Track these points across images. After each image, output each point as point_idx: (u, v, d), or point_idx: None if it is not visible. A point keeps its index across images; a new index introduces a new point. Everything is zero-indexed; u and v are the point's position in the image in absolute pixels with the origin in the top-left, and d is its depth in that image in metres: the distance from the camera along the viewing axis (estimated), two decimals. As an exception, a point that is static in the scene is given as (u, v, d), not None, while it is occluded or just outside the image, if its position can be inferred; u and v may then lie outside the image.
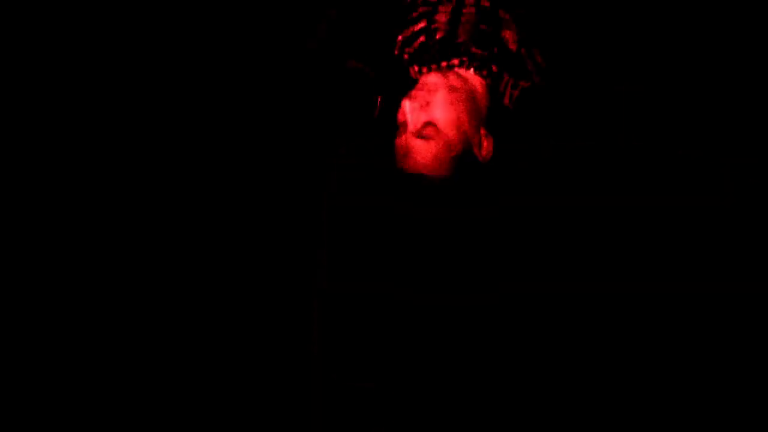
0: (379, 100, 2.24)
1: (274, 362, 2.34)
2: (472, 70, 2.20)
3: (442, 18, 2.25)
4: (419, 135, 2.12)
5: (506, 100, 2.21)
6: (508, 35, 2.22)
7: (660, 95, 2.40)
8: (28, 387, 2.36)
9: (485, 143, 2.16)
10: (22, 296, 2.42)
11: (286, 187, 2.42)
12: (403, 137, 2.14)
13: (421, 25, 2.27)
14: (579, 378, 2.25)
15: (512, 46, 2.22)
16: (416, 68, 2.25)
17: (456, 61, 2.20)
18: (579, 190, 2.31)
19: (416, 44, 2.26)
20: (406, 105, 2.14)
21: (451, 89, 2.16)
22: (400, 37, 2.29)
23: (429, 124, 2.12)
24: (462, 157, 2.14)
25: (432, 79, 2.17)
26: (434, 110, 2.13)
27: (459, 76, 2.19)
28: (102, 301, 2.41)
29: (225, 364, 2.35)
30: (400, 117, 2.16)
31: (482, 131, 2.17)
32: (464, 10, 2.24)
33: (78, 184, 2.50)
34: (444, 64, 2.20)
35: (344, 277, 2.29)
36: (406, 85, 2.22)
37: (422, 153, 2.11)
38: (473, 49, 2.20)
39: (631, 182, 2.35)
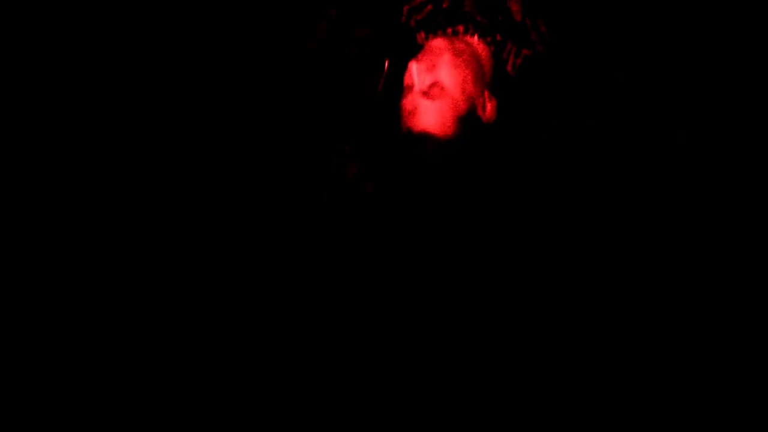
0: (386, 63, 2.30)
1: (274, 362, 2.32)
2: (476, 36, 2.27)
3: (448, -11, 2.34)
4: (425, 94, 2.18)
5: (509, 68, 2.28)
6: (513, 6, 2.30)
7: (660, 82, 2.44)
8: (36, 387, 2.34)
9: (489, 105, 2.23)
10: (43, 296, 2.41)
11: (285, 186, 2.44)
12: (410, 97, 2.19)
13: None
14: (582, 376, 2.25)
15: (517, 17, 2.29)
16: (423, 35, 2.31)
17: (461, 28, 2.27)
18: (579, 179, 2.35)
19: (424, 12, 2.33)
20: (413, 67, 2.20)
21: (457, 52, 2.22)
22: (407, 6, 2.37)
23: (435, 84, 2.18)
24: (466, 118, 2.20)
25: (438, 43, 2.24)
26: (440, 72, 2.20)
27: (464, 41, 2.26)
28: (99, 300, 2.40)
29: (224, 364, 2.33)
30: (407, 79, 2.22)
31: (486, 93, 2.23)
32: None
33: (75, 186, 2.50)
34: (449, 30, 2.28)
35: (343, 277, 2.31)
36: (413, 51, 2.29)
37: (428, 112, 2.17)
38: (478, 18, 2.28)
39: (631, 172, 2.38)
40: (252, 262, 2.39)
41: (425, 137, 2.17)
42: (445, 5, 2.31)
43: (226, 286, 2.37)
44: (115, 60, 2.58)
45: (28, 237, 2.47)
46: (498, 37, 2.27)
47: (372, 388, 2.25)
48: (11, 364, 2.35)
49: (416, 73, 2.19)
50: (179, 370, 2.33)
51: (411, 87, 2.20)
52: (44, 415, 2.31)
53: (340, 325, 2.28)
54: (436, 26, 2.29)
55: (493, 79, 2.26)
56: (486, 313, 2.26)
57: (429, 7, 2.32)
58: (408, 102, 2.19)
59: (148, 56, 2.58)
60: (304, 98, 2.46)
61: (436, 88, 2.18)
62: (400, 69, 2.26)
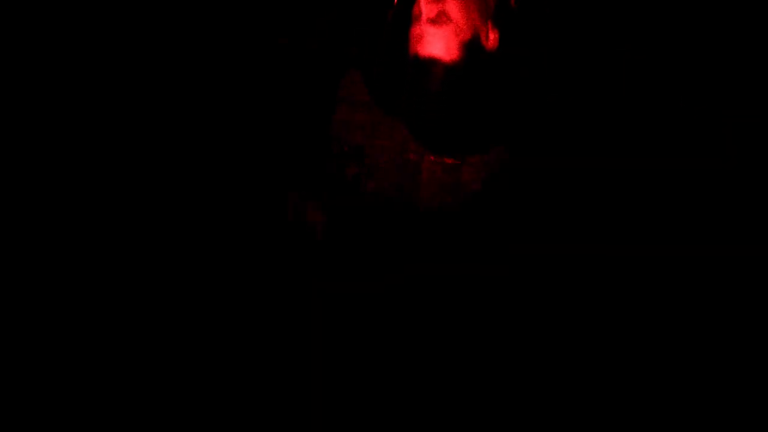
0: None
1: (274, 362, 2.37)
2: None
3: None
4: (432, 22, 2.31)
5: (512, 2, 2.40)
6: None
7: (661, 55, 2.49)
8: (30, 387, 2.37)
9: (492, 35, 2.35)
10: (20, 298, 2.44)
11: (284, 186, 2.50)
12: (418, 25, 2.33)
13: None
14: (577, 373, 2.32)
15: None
16: (431, -30, 2.44)
17: None
18: (579, 148, 2.42)
19: None
20: None
21: None
22: None
23: (441, 13, 2.31)
24: (470, 45, 2.31)
25: None
26: (446, 1, 2.33)
27: None
28: (96, 299, 2.45)
29: (225, 364, 2.38)
30: (415, 9, 2.35)
31: (489, 24, 2.35)
32: None
33: (66, 186, 2.53)
34: None
35: (343, 277, 2.38)
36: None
37: (435, 37, 2.30)
38: None
39: (631, 141, 2.43)
40: (252, 262, 2.44)
41: (432, 62, 2.29)
42: None
43: (227, 286, 2.42)
44: (110, 58, 2.60)
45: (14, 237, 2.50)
46: None
47: (372, 388, 2.30)
48: (11, 364, 2.39)
49: (424, 2, 2.32)
50: (180, 369, 2.37)
51: (419, 16, 2.33)
52: (44, 415, 2.34)
53: (340, 325, 2.34)
54: (443, -39, 2.41)
55: (496, 10, 2.38)
56: (487, 310, 2.34)
57: None
58: (416, 29, 2.33)
59: (145, 57, 2.61)
60: (304, 97, 2.52)
61: (443, 16, 2.31)
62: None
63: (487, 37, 2.35)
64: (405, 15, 2.36)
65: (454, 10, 2.31)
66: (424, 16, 2.32)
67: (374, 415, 2.31)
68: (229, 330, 2.40)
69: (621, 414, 2.31)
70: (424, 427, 2.30)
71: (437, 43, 2.29)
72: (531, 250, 2.35)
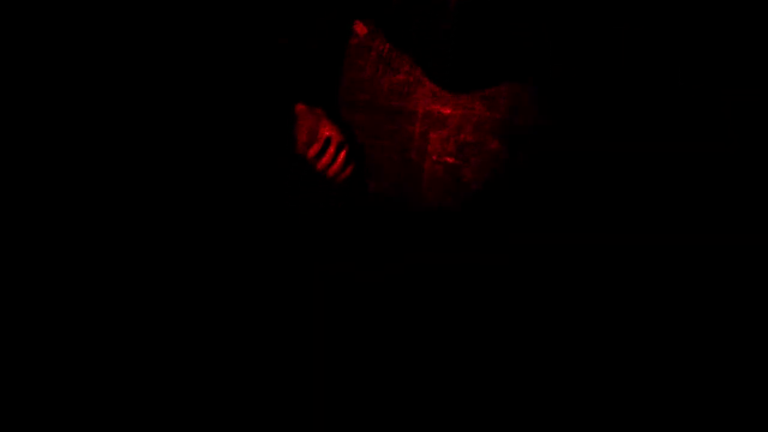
0: None
1: (278, 344, 2.38)
2: None
3: None
4: None
5: None
6: None
7: (660, 35, 2.50)
8: (30, 387, 2.37)
9: None
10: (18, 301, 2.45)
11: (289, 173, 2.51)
12: None
13: None
14: (573, 368, 2.31)
15: None
16: None
17: None
18: (578, 134, 2.42)
19: None
20: None
21: None
22: None
23: None
24: None
25: None
26: None
27: None
28: (96, 294, 2.45)
29: (224, 357, 2.38)
30: None
31: None
32: None
33: (64, 185, 2.54)
34: None
35: (345, 259, 2.39)
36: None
37: None
38: None
39: (632, 124, 2.44)
40: (256, 245, 2.44)
41: None
42: None
43: (232, 268, 2.43)
44: (110, 58, 2.61)
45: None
46: None
47: (374, 376, 2.32)
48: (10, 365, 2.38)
49: None
50: (188, 349, 2.38)
51: None
52: (44, 415, 2.33)
53: (341, 315, 2.35)
54: None
55: None
56: (487, 299, 2.33)
57: None
58: None
59: (146, 56, 2.62)
60: (303, 97, 2.53)
61: None
62: None
63: None
64: None
65: None
66: None
67: (375, 400, 2.30)
68: (235, 313, 2.40)
69: (618, 399, 2.29)
70: (423, 412, 2.28)
71: None
72: (531, 239, 2.34)
